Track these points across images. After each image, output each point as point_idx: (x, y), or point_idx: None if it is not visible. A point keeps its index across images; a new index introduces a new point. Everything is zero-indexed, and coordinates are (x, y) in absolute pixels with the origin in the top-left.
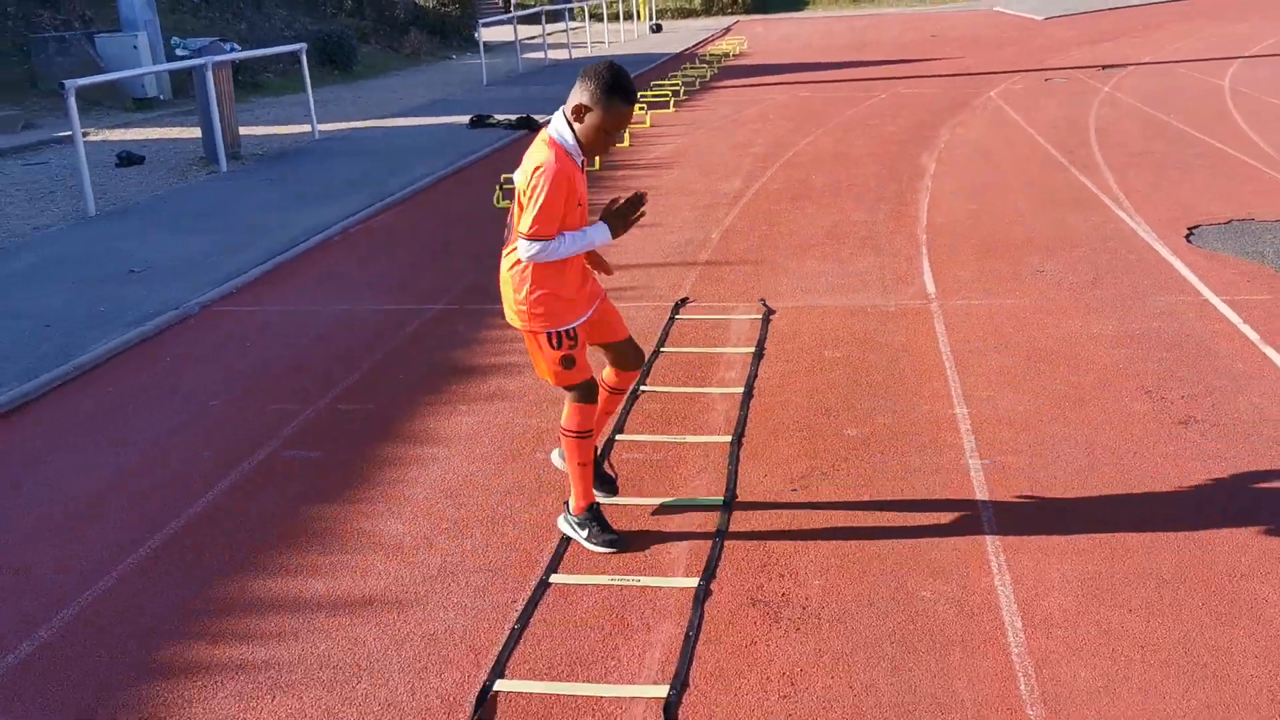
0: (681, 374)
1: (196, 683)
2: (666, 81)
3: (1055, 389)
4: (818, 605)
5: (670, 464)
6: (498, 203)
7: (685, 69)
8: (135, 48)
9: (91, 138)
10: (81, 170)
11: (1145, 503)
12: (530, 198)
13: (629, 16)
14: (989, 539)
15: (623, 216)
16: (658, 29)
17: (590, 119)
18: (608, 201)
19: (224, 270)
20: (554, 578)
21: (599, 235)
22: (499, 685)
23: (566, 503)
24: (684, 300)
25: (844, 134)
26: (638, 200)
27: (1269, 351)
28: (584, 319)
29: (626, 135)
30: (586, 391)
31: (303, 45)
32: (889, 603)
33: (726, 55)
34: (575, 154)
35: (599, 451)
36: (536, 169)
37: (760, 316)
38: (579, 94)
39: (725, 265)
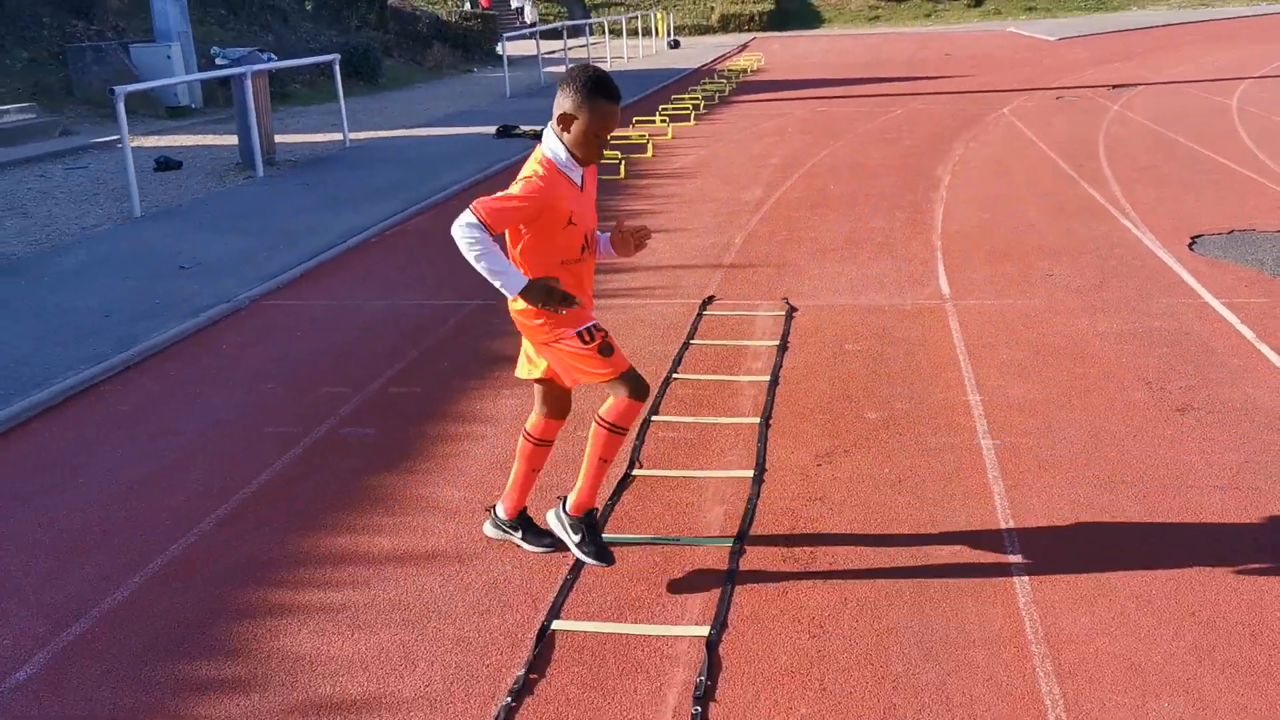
0: (710, 364)
1: (279, 622)
2: (686, 95)
3: (1061, 379)
4: (843, 562)
5: (703, 442)
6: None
7: (704, 84)
8: (169, 58)
9: (129, 143)
10: (128, 173)
11: (1143, 479)
12: (507, 191)
13: (647, 33)
14: (999, 507)
15: (546, 294)
16: (675, 45)
17: (577, 126)
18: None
19: (269, 268)
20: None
21: (510, 281)
22: (556, 625)
23: (562, 499)
24: (711, 298)
25: (860, 147)
26: (567, 301)
27: (1263, 349)
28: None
29: (650, 146)
30: (638, 385)
31: (335, 56)
32: (908, 560)
33: (744, 71)
34: (570, 169)
35: (523, 512)
36: (525, 178)
37: (783, 313)
38: (561, 103)
39: (749, 267)
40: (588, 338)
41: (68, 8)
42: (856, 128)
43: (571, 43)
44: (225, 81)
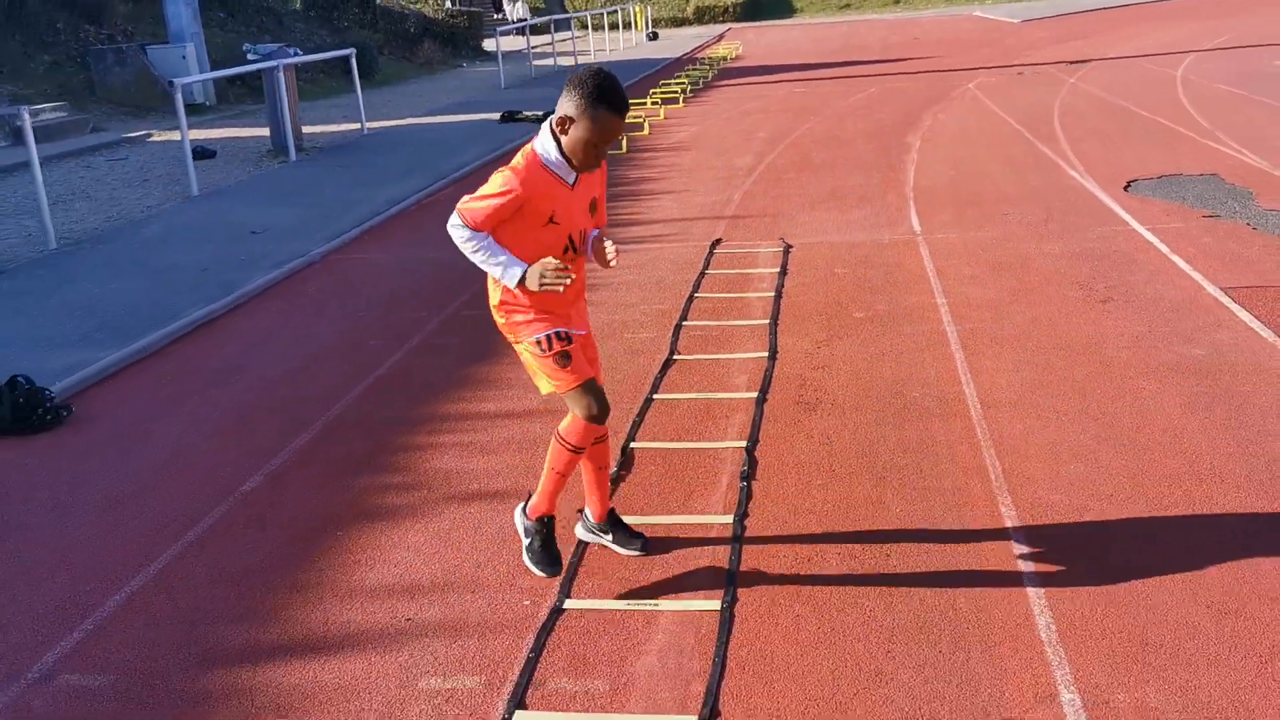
0: (724, 286)
1: (425, 445)
2: (674, 81)
3: (1011, 285)
4: (841, 401)
5: (725, 338)
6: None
7: (688, 70)
8: (184, 57)
9: (156, 138)
10: (186, 156)
11: (1070, 344)
12: (485, 187)
13: (627, 26)
14: (959, 366)
15: (540, 272)
16: (654, 37)
17: (575, 131)
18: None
19: (328, 231)
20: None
21: (510, 270)
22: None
23: (530, 493)
24: (718, 240)
25: (838, 121)
26: (560, 273)
27: (1175, 259)
28: (574, 332)
29: (646, 125)
30: (595, 406)
31: (351, 50)
32: (890, 397)
33: (724, 59)
34: (561, 170)
35: (612, 511)
36: (503, 170)
37: (781, 249)
38: (564, 104)
39: (748, 217)
40: (545, 345)
41: (79, 12)
42: (833, 105)
43: (555, 37)
44: (234, 80)
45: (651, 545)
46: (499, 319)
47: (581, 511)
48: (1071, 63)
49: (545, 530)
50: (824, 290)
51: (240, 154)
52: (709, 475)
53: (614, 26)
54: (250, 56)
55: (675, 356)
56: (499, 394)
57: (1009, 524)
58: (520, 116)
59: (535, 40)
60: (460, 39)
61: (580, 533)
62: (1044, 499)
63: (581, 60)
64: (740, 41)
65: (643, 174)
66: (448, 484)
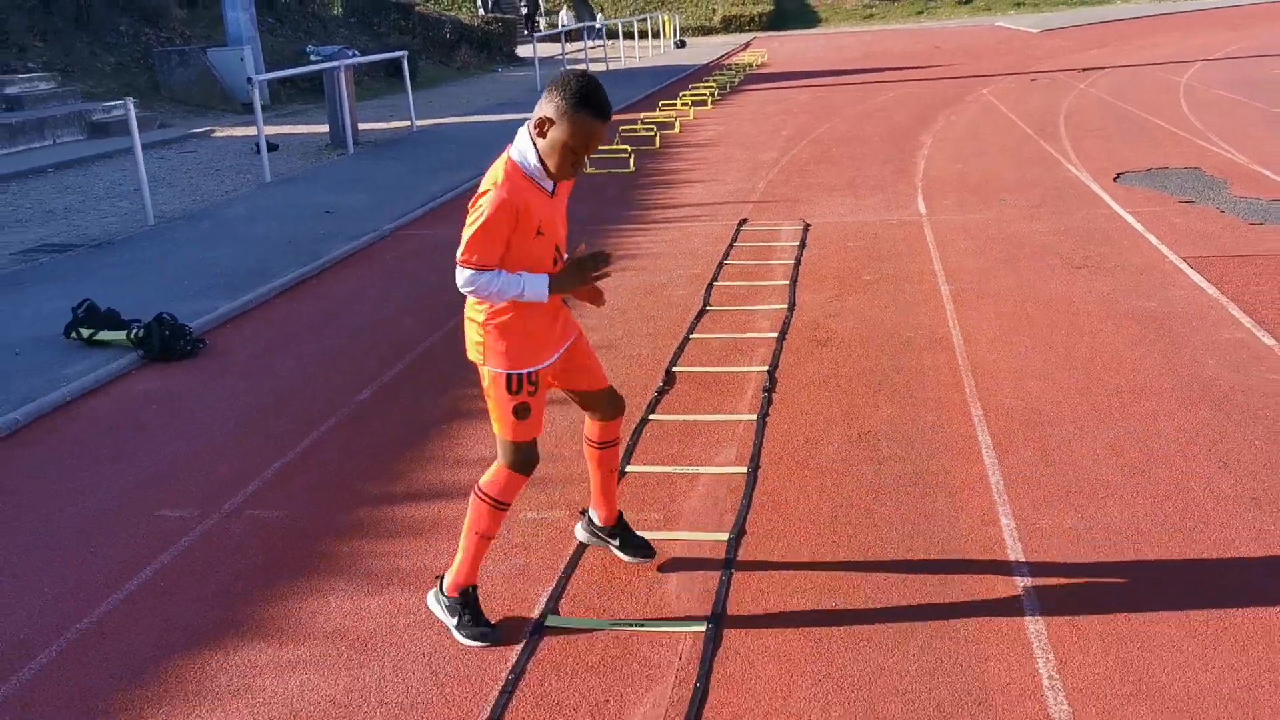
0: (750, 255)
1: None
2: (702, 85)
3: (1000, 256)
4: (848, 339)
5: (751, 294)
6: (585, 168)
7: (715, 75)
8: (242, 59)
9: (218, 133)
10: (261, 147)
11: (1045, 300)
12: (470, 222)
13: (656, 34)
14: (949, 313)
15: (579, 267)
16: (682, 45)
17: (554, 134)
18: (582, 246)
19: (393, 211)
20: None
21: (533, 288)
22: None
23: (439, 578)
24: (745, 220)
25: (857, 122)
26: (601, 257)
27: (1149, 236)
28: (549, 362)
29: (677, 124)
30: (526, 458)
31: (404, 53)
32: (889, 337)
33: (750, 66)
34: (539, 178)
35: (620, 515)
36: (483, 193)
37: (801, 227)
38: (544, 106)
39: (771, 202)
40: (514, 387)
41: (141, 17)
42: (853, 108)
43: (587, 44)
44: (285, 82)
45: (652, 540)
46: (474, 337)
47: (584, 513)
48: (1083, 70)
49: (472, 602)
50: (837, 259)
51: (300, 148)
52: (738, 388)
53: (643, 34)
54: (313, 57)
55: (708, 307)
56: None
57: (976, 422)
58: None
59: (569, 47)
60: (494, 44)
61: (580, 534)
62: (1006, 404)
63: (612, 66)
64: (766, 50)
65: (675, 165)
66: None
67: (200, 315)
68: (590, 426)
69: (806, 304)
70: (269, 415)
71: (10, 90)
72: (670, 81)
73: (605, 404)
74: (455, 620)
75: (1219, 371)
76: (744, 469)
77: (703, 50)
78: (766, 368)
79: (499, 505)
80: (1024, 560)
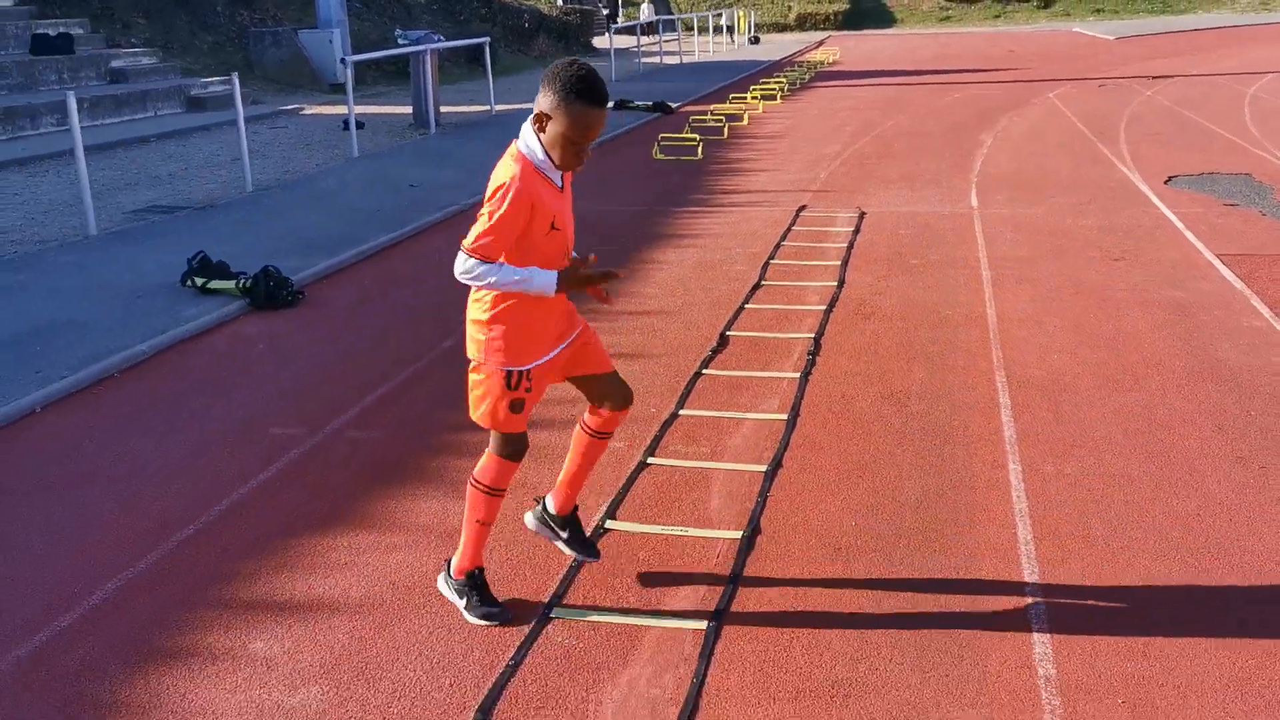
0: (807, 238)
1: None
2: (773, 80)
3: (1045, 246)
4: (890, 314)
5: (804, 272)
6: (655, 155)
7: (786, 71)
8: (331, 41)
9: (307, 111)
10: (351, 125)
11: (1082, 288)
12: (486, 212)
13: (730, 29)
14: (987, 296)
15: (582, 278)
16: (756, 41)
17: (553, 126)
18: (590, 257)
19: (474, 187)
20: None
21: (542, 281)
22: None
23: (448, 561)
24: (803, 206)
25: (921, 119)
26: (609, 275)
27: (1188, 234)
28: (547, 359)
29: (746, 117)
30: (518, 447)
31: (487, 39)
32: (928, 313)
33: (822, 63)
34: (547, 170)
35: (574, 509)
36: (500, 187)
37: (856, 215)
38: (540, 100)
39: (830, 192)
40: (513, 383)
41: None
42: (920, 106)
43: (662, 37)
44: (369, 64)
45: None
46: (475, 334)
47: (539, 501)
48: (1153, 77)
49: (478, 583)
50: (888, 244)
51: (384, 127)
52: (784, 351)
53: (718, 29)
54: (401, 41)
55: (763, 282)
56: (620, 287)
57: (999, 387)
58: (631, 105)
59: (644, 40)
60: (572, 35)
61: (530, 523)
62: (1029, 374)
63: (686, 59)
64: (839, 48)
65: (741, 155)
66: None
67: (299, 271)
68: (593, 416)
69: (855, 282)
70: (364, 356)
71: (116, 64)
72: (742, 76)
73: (615, 391)
74: (464, 601)
75: (1230, 354)
76: (784, 416)
77: (776, 47)
78: (812, 335)
79: (493, 492)
80: (1024, 499)
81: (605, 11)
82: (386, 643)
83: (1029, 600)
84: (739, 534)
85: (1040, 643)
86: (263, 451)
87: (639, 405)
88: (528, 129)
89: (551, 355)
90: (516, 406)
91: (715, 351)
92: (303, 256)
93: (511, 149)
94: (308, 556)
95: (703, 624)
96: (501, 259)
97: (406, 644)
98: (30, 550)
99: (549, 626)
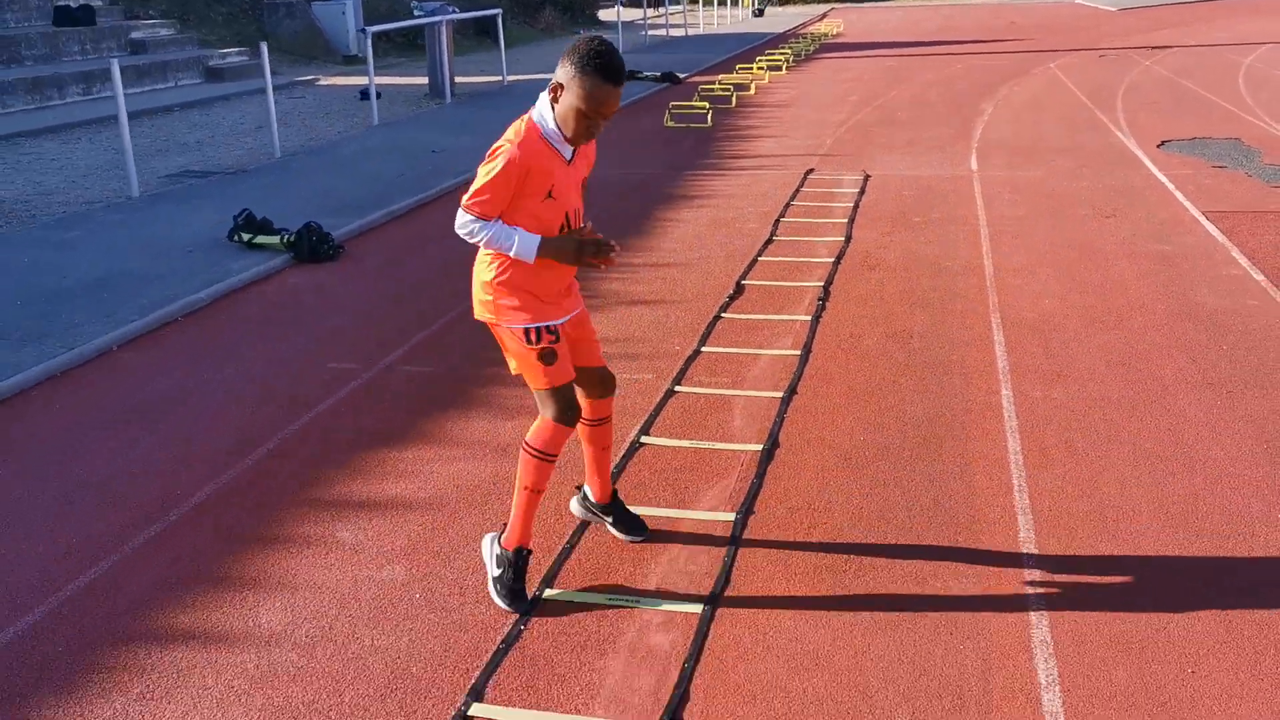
0: (814, 198)
1: (593, 277)
2: (778, 51)
3: (1039, 206)
4: (894, 265)
5: (813, 229)
6: (666, 123)
7: (791, 43)
8: (344, 13)
9: (322, 82)
10: (371, 94)
11: (1074, 243)
12: (482, 172)
13: (735, 2)
14: (984, 250)
15: (579, 248)
16: (760, 13)
17: (566, 98)
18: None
19: None
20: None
21: (525, 245)
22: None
23: (504, 525)
24: (811, 170)
25: (923, 89)
26: (604, 246)
27: (1177, 194)
28: (561, 321)
29: (753, 86)
30: (567, 406)
31: (499, 10)
32: (929, 265)
33: (825, 35)
34: (556, 141)
35: (615, 494)
36: (496, 148)
37: (862, 177)
38: (557, 72)
39: (836, 156)
40: (534, 337)
41: None
42: (922, 77)
43: (668, 10)
44: (381, 36)
45: (652, 529)
46: (483, 295)
47: (580, 488)
48: (1152, 48)
49: (518, 564)
50: (892, 204)
51: (400, 97)
52: (796, 298)
53: (722, 2)
54: (417, 12)
55: (774, 237)
56: (639, 242)
57: (994, 327)
58: (641, 75)
59: (650, 13)
60: (577, 7)
61: (575, 509)
62: (1022, 315)
63: (690, 32)
64: (842, 21)
65: (749, 123)
66: (616, 297)
67: (334, 230)
68: (583, 405)
69: (861, 238)
70: (406, 302)
71: (136, 35)
72: (747, 48)
73: (598, 383)
74: (498, 571)
75: (1208, 298)
76: (798, 351)
77: (780, 19)
78: (822, 283)
79: (545, 457)
80: (1015, 418)
81: None
82: (456, 531)
83: (1016, 496)
84: (760, 447)
85: (1024, 527)
86: (323, 383)
87: (665, 342)
88: (543, 98)
89: (564, 320)
90: (547, 357)
91: (732, 298)
92: (335, 216)
93: (524, 115)
94: (378, 466)
95: (730, 516)
96: (498, 218)
97: (474, 532)
98: (137, 462)
99: (592, 526)
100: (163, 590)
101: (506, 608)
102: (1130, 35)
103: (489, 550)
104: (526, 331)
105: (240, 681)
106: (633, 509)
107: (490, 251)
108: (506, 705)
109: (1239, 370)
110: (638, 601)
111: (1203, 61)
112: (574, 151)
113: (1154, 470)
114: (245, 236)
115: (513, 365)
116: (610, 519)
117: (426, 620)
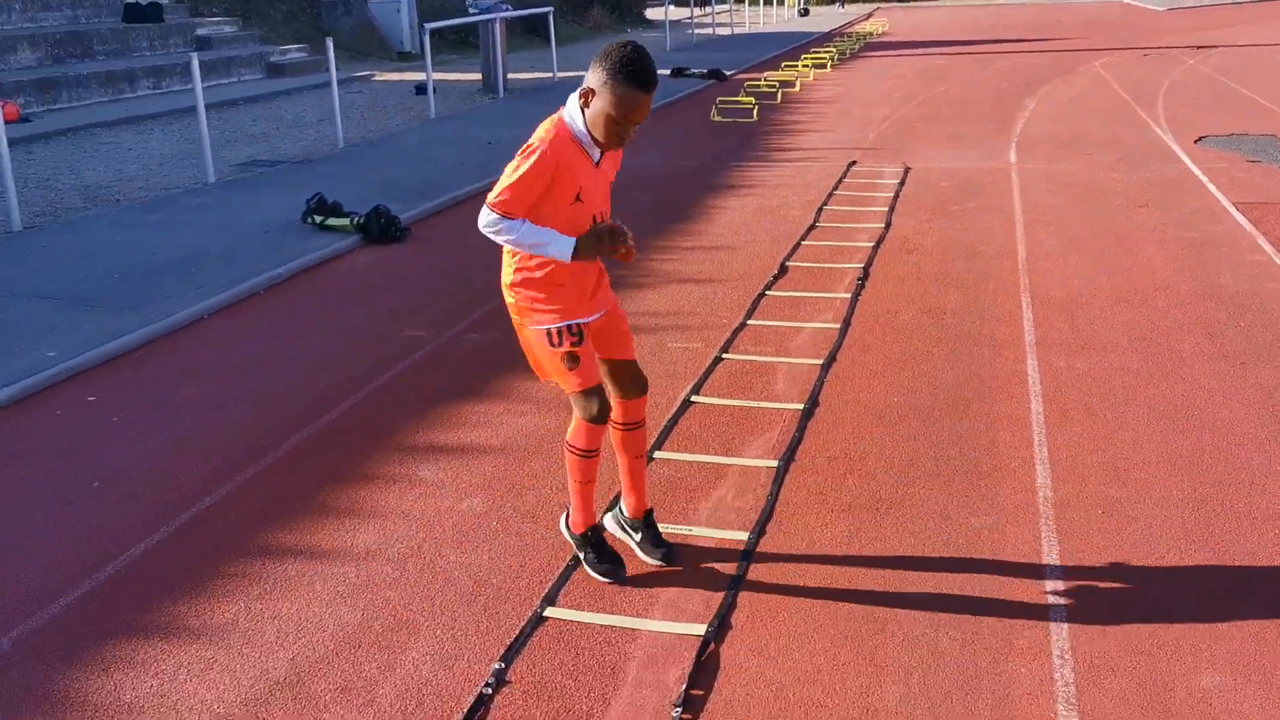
0: (857, 188)
1: (646, 249)
2: (823, 50)
3: (1074, 196)
4: (931, 250)
5: (855, 216)
6: (713, 117)
7: (836, 42)
8: (399, 11)
9: (378, 77)
10: (429, 88)
11: (1107, 231)
12: (510, 169)
13: (780, 2)
14: (1019, 235)
15: (596, 238)
16: (805, 13)
17: (597, 104)
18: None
19: None
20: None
21: (558, 246)
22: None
23: (568, 506)
24: (854, 162)
25: (967, 86)
26: (619, 233)
27: (1209, 185)
28: (587, 320)
29: (798, 82)
30: (597, 406)
31: (550, 9)
32: (964, 249)
33: (871, 34)
34: (585, 141)
35: (649, 512)
36: (527, 147)
37: (902, 170)
38: (589, 77)
39: (879, 150)
40: (556, 339)
41: None
42: (966, 75)
43: (714, 9)
44: (434, 33)
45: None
46: (509, 298)
47: (616, 501)
48: (1197, 47)
49: (595, 538)
50: (931, 194)
51: (454, 92)
52: (837, 278)
53: (769, 1)
54: (472, 10)
55: (817, 223)
56: (688, 227)
57: (1023, 305)
58: (689, 73)
59: (697, 12)
60: (625, 6)
61: (608, 524)
62: (1051, 295)
63: (737, 31)
64: (888, 19)
65: (795, 118)
66: (667, 276)
67: (399, 214)
68: (614, 408)
69: (900, 225)
70: (472, 278)
71: (201, 31)
72: (793, 46)
73: (629, 378)
74: (583, 555)
75: (1231, 281)
76: (838, 325)
77: (826, 18)
78: (862, 265)
79: (586, 454)
80: (1039, 385)
81: None
82: (526, 471)
83: (1036, 449)
84: (801, 406)
85: (1042, 475)
86: (397, 348)
87: (713, 315)
88: (573, 100)
89: (590, 319)
90: (571, 360)
91: (776, 277)
92: (399, 201)
93: (555, 114)
94: (452, 418)
95: (773, 463)
96: (524, 218)
97: (544, 473)
98: (231, 414)
99: (649, 469)
100: (267, 518)
101: (610, 580)
102: (1176, 34)
103: (567, 533)
104: (549, 333)
105: (344, 587)
106: (686, 456)
107: (514, 252)
108: (577, 608)
109: (1253, 345)
110: (691, 530)
111: (1247, 61)
112: (601, 154)
113: (1165, 429)
114: (317, 219)
115: (534, 366)
116: (638, 537)
117: (503, 542)
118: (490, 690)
